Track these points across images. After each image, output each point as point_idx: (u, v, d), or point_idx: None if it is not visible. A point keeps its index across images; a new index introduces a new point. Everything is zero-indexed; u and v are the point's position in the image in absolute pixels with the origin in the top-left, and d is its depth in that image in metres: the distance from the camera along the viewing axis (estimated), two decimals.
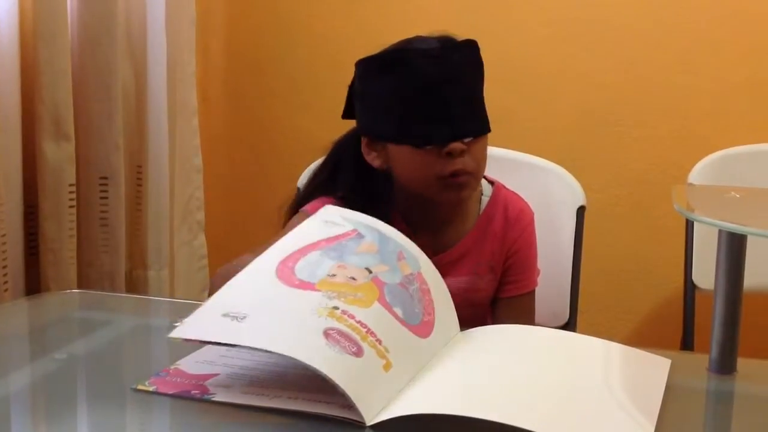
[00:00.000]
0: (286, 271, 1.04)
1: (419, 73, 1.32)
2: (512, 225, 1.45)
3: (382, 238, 1.13)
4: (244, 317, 0.97)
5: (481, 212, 1.44)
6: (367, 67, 1.38)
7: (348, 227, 1.13)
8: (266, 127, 2.49)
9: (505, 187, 1.48)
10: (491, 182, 1.47)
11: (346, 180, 1.42)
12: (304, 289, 1.01)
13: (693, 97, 2.21)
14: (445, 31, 1.38)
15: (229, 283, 1.04)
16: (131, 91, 1.97)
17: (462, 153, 1.33)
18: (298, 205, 1.45)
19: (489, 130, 1.37)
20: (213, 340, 0.98)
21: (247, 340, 0.96)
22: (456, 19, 2.30)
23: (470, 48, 1.37)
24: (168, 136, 2.03)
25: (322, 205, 1.36)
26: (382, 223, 1.16)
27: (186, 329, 0.99)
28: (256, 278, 1.04)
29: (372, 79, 1.37)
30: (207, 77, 2.43)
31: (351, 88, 1.42)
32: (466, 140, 1.34)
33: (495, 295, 1.46)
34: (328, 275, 1.04)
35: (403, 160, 1.36)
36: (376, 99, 1.37)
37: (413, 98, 1.33)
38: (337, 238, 1.11)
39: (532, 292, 1.48)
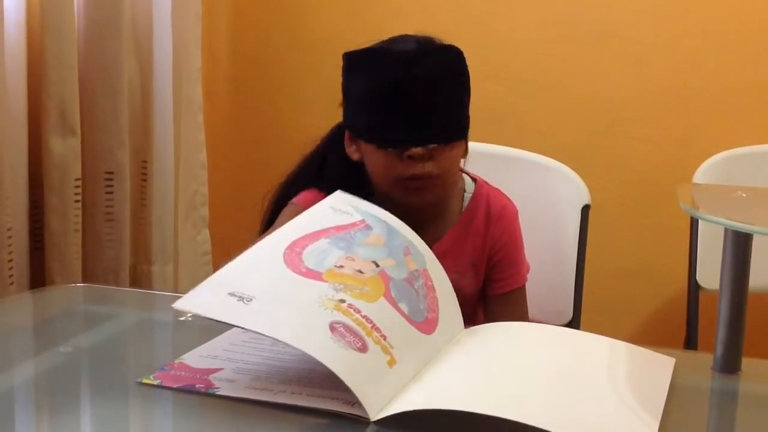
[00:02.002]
0: (293, 257, 1.03)
1: (386, 75, 1.31)
2: (495, 222, 1.43)
3: (390, 231, 1.13)
4: (251, 300, 0.97)
5: (463, 209, 1.43)
6: (347, 62, 1.38)
7: (356, 217, 1.13)
8: (271, 123, 2.49)
9: (487, 183, 1.47)
10: (474, 179, 1.46)
11: (333, 173, 1.40)
12: (311, 278, 1.01)
13: (698, 98, 2.21)
14: (433, 33, 1.36)
15: (236, 259, 1.03)
16: (137, 87, 1.98)
17: (424, 158, 1.31)
18: (283, 196, 1.44)
19: (457, 139, 1.34)
20: (218, 319, 0.97)
21: (254, 325, 0.95)
22: (460, 19, 2.30)
23: (448, 54, 1.34)
24: (173, 131, 2.03)
25: (311, 197, 1.36)
26: (391, 215, 1.15)
27: (191, 302, 0.98)
28: (264, 260, 1.04)
29: (349, 74, 1.37)
30: (212, 73, 2.43)
31: None
32: (431, 146, 1.31)
33: (484, 292, 1.45)
34: (336, 266, 1.03)
35: (370, 158, 1.35)
36: (351, 94, 1.37)
37: (379, 99, 1.32)
38: (345, 227, 1.10)
39: (522, 288, 1.47)
